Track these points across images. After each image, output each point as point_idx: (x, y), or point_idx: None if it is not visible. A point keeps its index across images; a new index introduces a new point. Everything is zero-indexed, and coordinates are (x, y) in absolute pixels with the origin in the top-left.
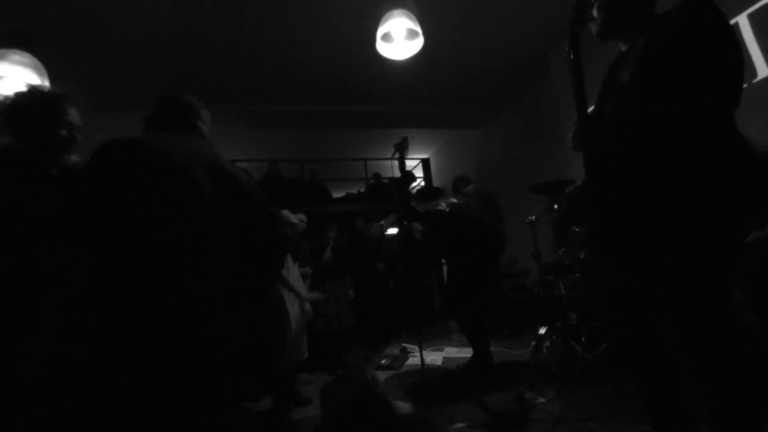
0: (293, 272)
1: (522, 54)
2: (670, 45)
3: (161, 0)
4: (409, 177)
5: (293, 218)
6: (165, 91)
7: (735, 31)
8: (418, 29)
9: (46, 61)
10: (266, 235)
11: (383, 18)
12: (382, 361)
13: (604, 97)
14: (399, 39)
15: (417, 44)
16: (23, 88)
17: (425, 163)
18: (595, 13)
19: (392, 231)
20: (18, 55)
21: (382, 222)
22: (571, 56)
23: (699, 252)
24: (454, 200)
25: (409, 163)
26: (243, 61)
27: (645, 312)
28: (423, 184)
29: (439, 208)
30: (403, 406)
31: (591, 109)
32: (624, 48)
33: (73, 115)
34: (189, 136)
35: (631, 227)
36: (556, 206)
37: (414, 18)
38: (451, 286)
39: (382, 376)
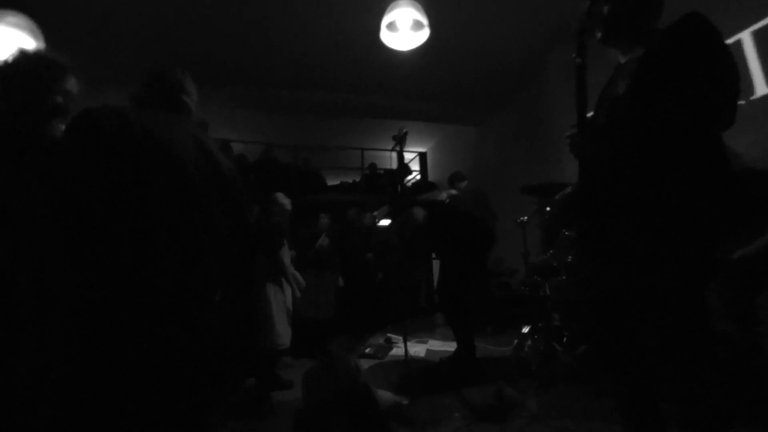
0: (286, 256)
1: (521, 55)
2: (664, 60)
3: None
4: (405, 170)
5: (285, 201)
6: (160, 66)
7: (731, 50)
8: (425, 21)
9: (42, 26)
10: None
11: (389, 7)
12: (366, 350)
13: (600, 107)
14: (404, 29)
15: (422, 36)
16: (23, 50)
17: (422, 156)
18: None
19: (384, 222)
20: (13, 17)
21: (375, 213)
22: (577, 63)
23: (677, 264)
24: (455, 192)
25: (407, 156)
26: (245, 42)
27: (625, 317)
28: (418, 177)
29: (441, 198)
30: (385, 396)
31: (589, 115)
32: (623, 60)
33: (72, 84)
34: (177, 115)
35: (616, 235)
36: (547, 208)
37: (421, 9)
38: (442, 280)
39: (365, 364)
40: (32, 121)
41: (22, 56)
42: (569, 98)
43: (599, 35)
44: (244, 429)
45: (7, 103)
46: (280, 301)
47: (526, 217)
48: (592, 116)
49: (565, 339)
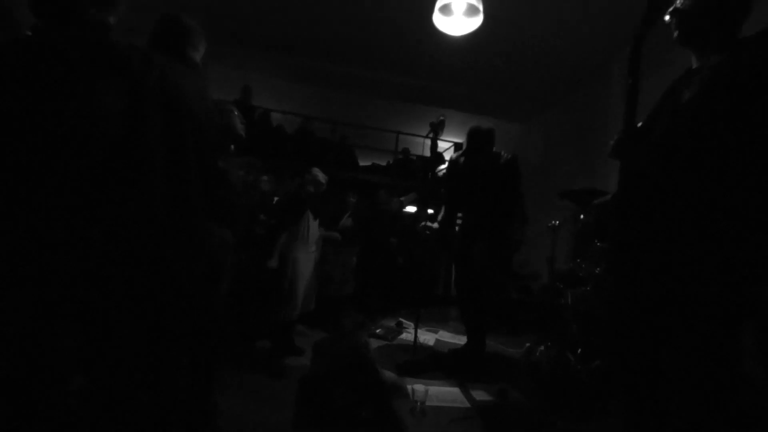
0: (312, 228)
1: (583, 54)
2: (741, 74)
3: None
4: (439, 159)
5: (321, 176)
6: (216, 30)
7: None
8: (480, 6)
9: None
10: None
11: None
12: (377, 331)
13: (658, 112)
14: (458, 13)
15: (476, 22)
16: None
17: (458, 147)
18: (667, 18)
19: (411, 209)
20: None
21: (402, 198)
22: (631, 56)
23: (715, 293)
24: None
25: (442, 145)
26: (298, 12)
27: (649, 340)
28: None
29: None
30: (389, 376)
31: (640, 124)
32: (695, 64)
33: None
34: (185, 67)
35: (652, 253)
36: (582, 216)
37: None
38: (461, 273)
39: (374, 344)
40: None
41: None
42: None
43: (676, 34)
44: (255, 386)
45: (42, 20)
46: (308, 270)
47: (557, 222)
48: (647, 121)
49: (580, 350)
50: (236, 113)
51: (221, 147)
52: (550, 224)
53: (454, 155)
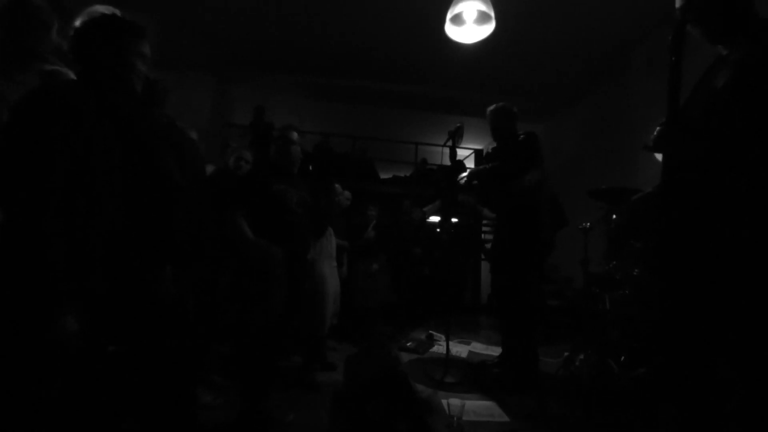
0: (333, 242)
1: (599, 51)
2: None
3: None
4: (460, 166)
5: (346, 193)
6: (236, 53)
7: None
8: (491, 13)
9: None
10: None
11: None
12: (408, 344)
13: (693, 100)
14: (470, 22)
15: (487, 29)
16: (101, 12)
17: (478, 154)
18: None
19: (434, 219)
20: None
21: (425, 208)
22: (673, 45)
23: None
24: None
25: (462, 153)
26: (313, 32)
27: (699, 344)
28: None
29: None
30: (422, 390)
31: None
32: (725, 52)
33: (147, 47)
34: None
35: (703, 249)
36: (614, 216)
37: (488, 0)
38: (498, 279)
39: (405, 358)
40: (110, 80)
41: (101, 18)
42: (651, 98)
43: (704, 38)
44: (287, 401)
45: (83, 63)
46: (333, 285)
47: (588, 224)
48: (682, 109)
49: (623, 358)
50: (292, 139)
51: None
52: (581, 226)
53: (488, 147)
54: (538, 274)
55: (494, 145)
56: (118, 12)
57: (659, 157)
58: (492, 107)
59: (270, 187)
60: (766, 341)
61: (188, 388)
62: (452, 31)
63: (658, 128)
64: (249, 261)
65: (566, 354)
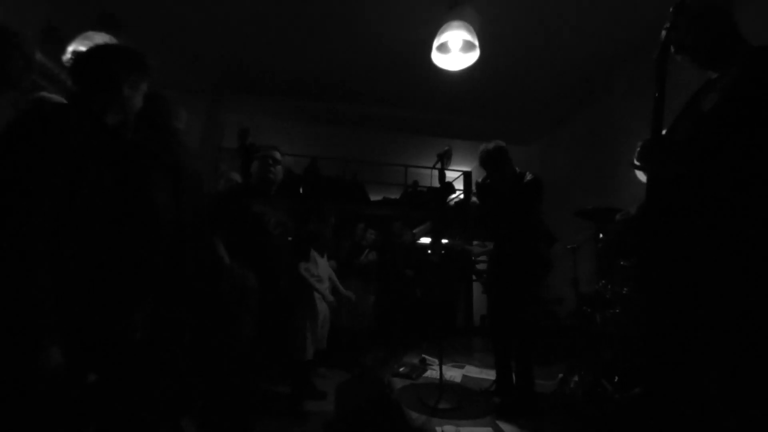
0: (321, 265)
1: (580, 74)
2: (761, 80)
3: None
4: (449, 188)
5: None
6: (226, 77)
7: None
8: (476, 42)
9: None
10: None
11: (441, 28)
12: (400, 369)
13: (680, 121)
14: (455, 50)
15: (472, 57)
16: (101, 43)
17: (467, 176)
18: (679, 57)
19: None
20: (101, 37)
21: (415, 230)
22: (658, 62)
23: (761, 308)
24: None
25: (451, 175)
26: (303, 57)
27: (688, 362)
28: (462, 196)
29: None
30: (416, 417)
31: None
32: (714, 76)
33: (146, 86)
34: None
35: (688, 267)
36: (601, 235)
37: (472, 30)
38: (496, 303)
39: (398, 384)
40: (102, 108)
41: (106, 50)
42: (633, 120)
43: (693, 65)
44: None
45: (80, 86)
46: (323, 309)
47: (576, 245)
48: (669, 131)
49: (617, 378)
50: (271, 159)
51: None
52: (569, 246)
53: (480, 179)
54: (536, 295)
55: (487, 178)
56: (112, 38)
57: (642, 177)
58: (486, 148)
59: (248, 209)
60: (752, 355)
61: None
62: (439, 59)
63: (640, 143)
64: (220, 288)
65: (561, 376)
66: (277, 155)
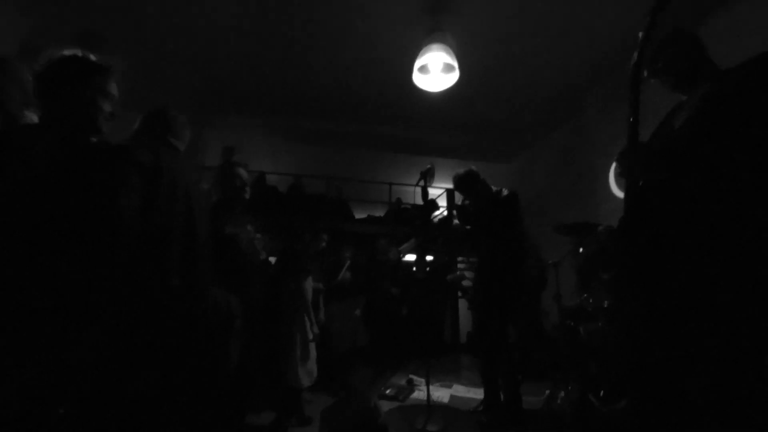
0: (308, 289)
1: (556, 93)
2: (730, 97)
3: (219, 13)
4: (432, 205)
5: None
6: (208, 96)
7: None
8: (455, 64)
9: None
10: None
11: (422, 51)
12: (387, 391)
13: (654, 141)
14: (435, 72)
15: (452, 78)
16: (64, 54)
17: (450, 193)
18: (652, 80)
19: (410, 257)
20: (68, 52)
21: (400, 248)
22: (632, 86)
23: (742, 318)
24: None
25: (434, 192)
26: (288, 77)
27: (671, 369)
28: (445, 213)
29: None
30: None
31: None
32: (684, 98)
33: (114, 87)
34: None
35: (667, 275)
36: (581, 249)
37: (452, 53)
38: (483, 320)
39: (385, 406)
40: (76, 125)
41: (61, 59)
42: (608, 137)
43: (666, 86)
44: None
45: (45, 106)
46: (308, 335)
47: (556, 260)
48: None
49: (602, 391)
50: (239, 175)
51: (227, 212)
52: (549, 262)
53: (460, 203)
54: (534, 310)
55: (465, 200)
56: (79, 52)
57: (619, 192)
58: (458, 174)
59: (221, 230)
60: (734, 363)
61: None
62: (419, 80)
63: (619, 152)
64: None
65: (547, 392)
66: (241, 171)
